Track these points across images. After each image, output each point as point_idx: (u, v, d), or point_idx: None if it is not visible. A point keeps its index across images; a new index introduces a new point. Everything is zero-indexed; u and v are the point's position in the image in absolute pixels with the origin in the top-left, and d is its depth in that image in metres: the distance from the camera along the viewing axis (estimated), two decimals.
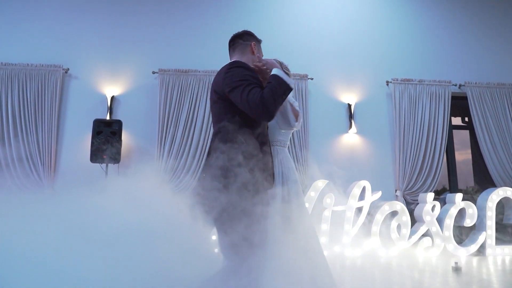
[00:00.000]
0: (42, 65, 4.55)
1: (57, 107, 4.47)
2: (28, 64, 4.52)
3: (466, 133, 5.60)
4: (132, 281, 1.58)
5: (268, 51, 2.35)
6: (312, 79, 5.00)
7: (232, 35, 2.06)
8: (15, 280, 1.63)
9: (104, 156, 3.98)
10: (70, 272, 1.61)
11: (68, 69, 4.67)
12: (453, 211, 4.05)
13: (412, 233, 3.93)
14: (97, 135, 4.04)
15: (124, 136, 4.35)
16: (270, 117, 1.67)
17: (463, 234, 4.36)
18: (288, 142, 2.12)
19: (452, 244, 3.92)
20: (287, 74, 1.79)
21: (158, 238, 1.71)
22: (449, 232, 3.97)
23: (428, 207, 4.02)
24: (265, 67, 1.87)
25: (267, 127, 1.95)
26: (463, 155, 5.70)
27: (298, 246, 1.77)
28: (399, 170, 4.91)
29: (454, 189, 5.10)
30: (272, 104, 1.65)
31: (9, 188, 4.14)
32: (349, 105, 5.11)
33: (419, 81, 5.18)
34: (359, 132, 5.15)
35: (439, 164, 4.99)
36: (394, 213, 4.06)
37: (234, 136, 1.72)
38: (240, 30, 2.09)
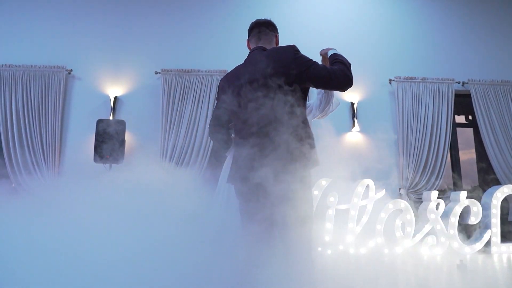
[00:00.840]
0: (46, 66, 4.57)
1: (61, 107, 4.49)
2: (31, 66, 4.54)
3: (470, 131, 5.58)
4: None
5: None
6: None
7: (254, 21, 2.09)
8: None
9: (108, 156, 4.00)
10: None
11: (71, 70, 4.69)
12: (458, 209, 4.03)
13: (417, 231, 3.91)
14: (100, 135, 4.06)
15: (128, 136, 4.36)
16: (351, 85, 1.84)
17: (468, 232, 4.33)
18: None
19: (457, 242, 3.90)
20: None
21: None
22: (453, 230, 3.95)
23: (432, 205, 4.00)
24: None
25: None
26: (467, 154, 5.69)
27: None
28: (402, 168, 4.89)
29: (458, 187, 5.08)
30: (351, 73, 1.84)
31: (13, 189, 4.18)
32: (352, 104, 5.11)
33: (422, 79, 5.16)
34: (362, 130, 5.14)
35: (443, 162, 4.97)
36: (398, 212, 4.04)
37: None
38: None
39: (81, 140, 4.45)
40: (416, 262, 2.99)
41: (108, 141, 4.04)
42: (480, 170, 5.44)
